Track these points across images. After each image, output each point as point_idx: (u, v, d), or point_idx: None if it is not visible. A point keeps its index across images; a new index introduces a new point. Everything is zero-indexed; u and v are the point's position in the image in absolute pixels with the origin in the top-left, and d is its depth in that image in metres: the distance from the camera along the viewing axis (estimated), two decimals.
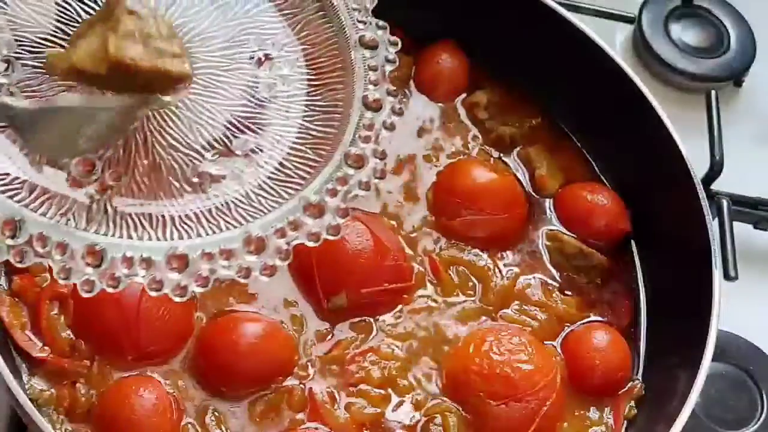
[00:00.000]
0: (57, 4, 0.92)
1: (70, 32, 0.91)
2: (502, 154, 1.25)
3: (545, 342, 1.11)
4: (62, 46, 0.91)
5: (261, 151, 0.94)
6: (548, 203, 1.22)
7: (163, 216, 0.88)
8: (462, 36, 1.28)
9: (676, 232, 1.17)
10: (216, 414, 1.02)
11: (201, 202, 0.90)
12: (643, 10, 1.52)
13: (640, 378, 1.12)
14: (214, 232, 0.87)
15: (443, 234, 1.17)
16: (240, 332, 1.04)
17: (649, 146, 1.18)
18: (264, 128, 0.95)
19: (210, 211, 0.89)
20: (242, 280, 0.85)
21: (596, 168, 1.26)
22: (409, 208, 1.18)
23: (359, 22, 0.97)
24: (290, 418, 1.03)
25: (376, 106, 0.94)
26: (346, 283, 1.08)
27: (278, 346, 1.05)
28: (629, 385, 1.11)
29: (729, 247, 1.25)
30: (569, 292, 1.16)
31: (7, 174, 0.85)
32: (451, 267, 1.15)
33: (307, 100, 0.97)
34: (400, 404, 1.06)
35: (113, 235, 0.84)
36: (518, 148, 1.25)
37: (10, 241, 0.80)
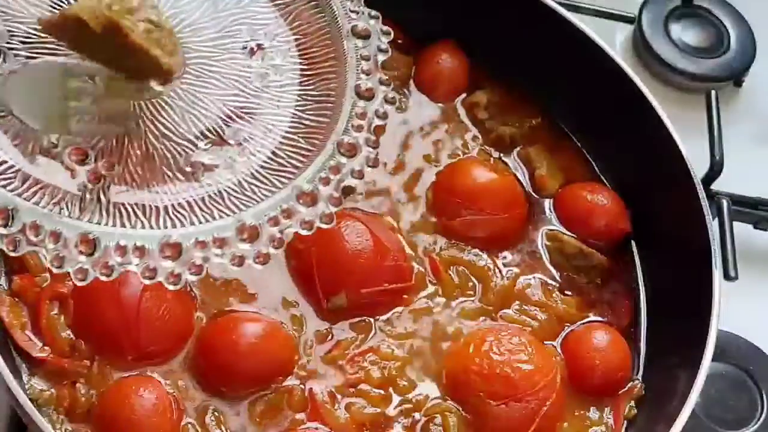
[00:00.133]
0: None
1: None
2: (502, 154, 1.25)
3: (545, 342, 1.11)
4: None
5: (253, 140, 0.94)
6: (548, 203, 1.22)
7: (156, 205, 0.88)
8: (462, 36, 1.28)
9: (676, 232, 1.17)
10: (216, 414, 1.02)
11: (194, 191, 0.90)
12: (643, 10, 1.52)
13: (640, 378, 1.12)
14: (207, 221, 0.87)
15: (443, 234, 1.17)
16: (240, 332, 1.04)
17: (649, 146, 1.18)
18: (256, 117, 0.96)
19: (203, 199, 0.89)
20: (235, 268, 0.86)
21: (596, 168, 1.26)
22: (409, 208, 1.18)
23: (351, 11, 0.97)
24: (290, 418, 1.03)
25: (368, 95, 0.94)
26: (346, 283, 1.08)
27: (278, 346, 1.05)
28: (629, 385, 1.11)
29: (729, 247, 1.25)
30: (569, 292, 1.16)
31: (1, 163, 0.85)
32: (451, 267, 1.15)
33: (299, 90, 0.97)
34: (400, 404, 1.06)
35: (107, 224, 0.85)
36: (518, 148, 1.25)
37: (3, 230, 0.81)
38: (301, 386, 1.05)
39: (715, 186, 1.32)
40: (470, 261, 1.15)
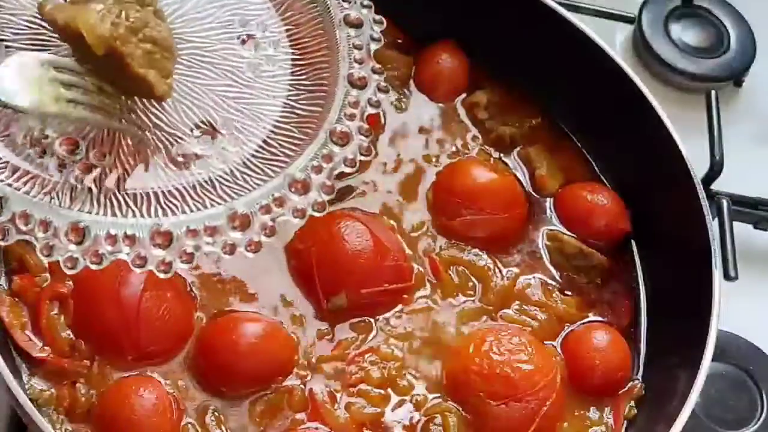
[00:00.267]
0: None
1: None
2: (502, 154, 1.25)
3: (545, 342, 1.11)
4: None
5: (245, 130, 0.95)
6: (548, 203, 1.22)
7: (147, 194, 0.88)
8: (462, 36, 1.28)
9: (676, 232, 1.17)
10: (216, 414, 1.02)
11: (185, 181, 0.90)
12: (643, 10, 1.52)
13: (640, 378, 1.12)
14: (199, 210, 0.87)
15: (443, 234, 1.17)
16: (240, 332, 1.04)
17: (649, 146, 1.18)
18: (248, 107, 0.96)
19: (195, 189, 0.90)
20: (226, 257, 0.86)
21: (596, 168, 1.26)
22: (409, 208, 1.18)
23: (344, 1, 0.98)
24: (290, 418, 1.03)
25: (361, 84, 0.95)
26: (346, 283, 1.08)
27: (278, 346, 1.05)
28: (629, 385, 1.11)
29: (729, 247, 1.25)
30: (569, 292, 1.16)
31: None
32: (451, 267, 1.15)
33: (291, 80, 0.98)
34: (400, 404, 1.06)
35: (97, 214, 0.85)
36: (518, 148, 1.25)
37: None
38: (301, 386, 1.05)
39: (715, 186, 1.32)
40: (470, 261, 1.15)
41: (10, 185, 0.84)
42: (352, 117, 0.93)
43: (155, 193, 0.89)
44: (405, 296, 1.12)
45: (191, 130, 0.93)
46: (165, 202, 0.89)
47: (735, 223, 1.30)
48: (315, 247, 1.09)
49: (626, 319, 1.16)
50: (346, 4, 0.98)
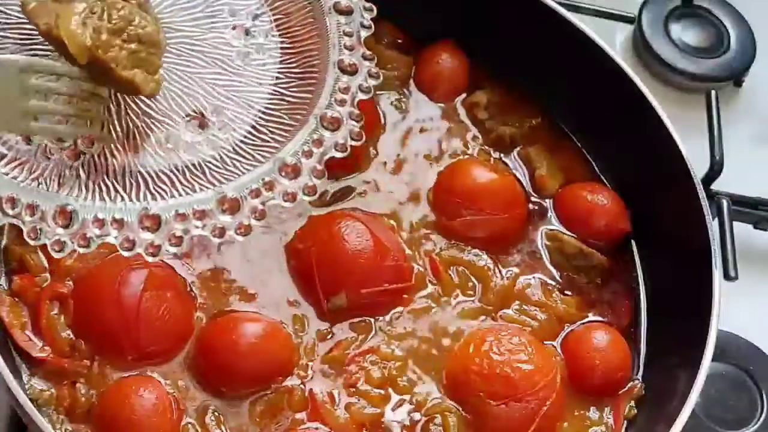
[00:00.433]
0: None
1: None
2: (502, 154, 1.25)
3: (545, 342, 1.11)
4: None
5: (236, 117, 0.95)
6: (548, 203, 1.22)
7: (136, 179, 0.89)
8: (462, 36, 1.28)
9: (676, 232, 1.17)
10: (216, 414, 1.02)
11: (175, 167, 0.91)
12: (643, 10, 1.52)
13: (640, 378, 1.12)
14: (188, 195, 0.88)
15: (443, 234, 1.17)
16: (240, 332, 1.04)
17: (649, 146, 1.18)
18: (238, 95, 0.96)
19: (184, 174, 0.90)
20: (216, 240, 0.86)
21: (596, 168, 1.26)
22: (409, 208, 1.18)
23: None
24: (290, 418, 1.03)
25: (351, 70, 0.95)
26: (346, 283, 1.08)
27: (278, 346, 1.05)
28: (629, 385, 1.11)
29: (729, 247, 1.25)
30: (569, 292, 1.16)
31: None
32: (451, 267, 1.15)
33: (281, 67, 0.98)
34: (400, 404, 1.06)
35: (86, 199, 0.85)
36: (518, 148, 1.25)
37: None
38: (301, 386, 1.05)
39: (715, 186, 1.32)
40: (470, 261, 1.15)
41: None
42: (342, 103, 0.94)
43: (144, 179, 0.90)
44: (405, 296, 1.12)
45: (181, 117, 0.94)
46: (154, 187, 0.89)
47: (735, 223, 1.30)
48: (315, 247, 1.09)
49: (626, 319, 1.16)
50: None
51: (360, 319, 1.10)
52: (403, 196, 1.19)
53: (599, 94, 1.22)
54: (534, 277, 1.16)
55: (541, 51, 1.24)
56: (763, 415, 1.24)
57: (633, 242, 1.21)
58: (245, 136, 0.94)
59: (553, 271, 1.18)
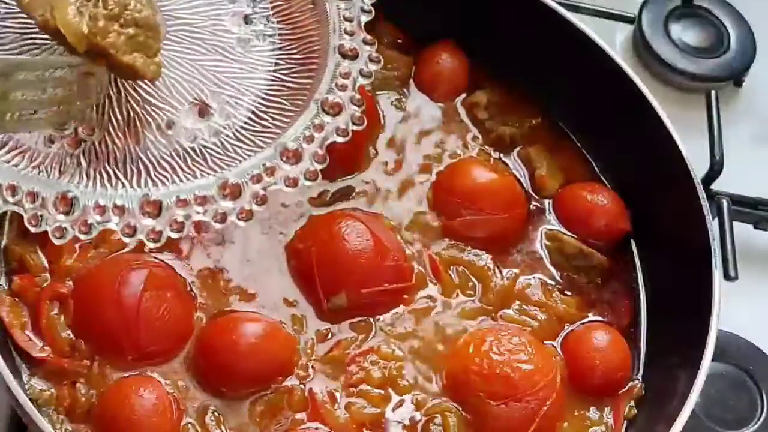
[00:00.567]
0: None
1: None
2: (502, 154, 1.25)
3: (545, 342, 1.11)
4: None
5: (236, 103, 0.95)
6: (548, 203, 1.22)
7: (138, 166, 0.89)
8: (462, 36, 1.28)
9: (676, 232, 1.17)
10: (216, 414, 1.02)
11: (176, 153, 0.91)
12: (643, 10, 1.52)
13: (640, 378, 1.12)
14: (189, 181, 0.88)
15: (443, 234, 1.17)
16: (240, 332, 1.04)
17: (649, 146, 1.18)
18: (238, 81, 0.96)
19: (185, 160, 0.90)
20: (218, 225, 0.86)
21: (596, 168, 1.26)
22: (409, 208, 1.18)
23: None
24: (290, 418, 1.03)
25: (352, 55, 0.95)
26: (346, 283, 1.08)
27: (278, 346, 1.05)
28: (629, 385, 1.11)
29: (729, 247, 1.25)
30: (569, 292, 1.16)
31: None
32: (451, 267, 1.15)
33: (281, 53, 0.98)
34: (400, 404, 1.06)
35: (86, 186, 0.85)
36: (518, 148, 1.25)
37: None
38: (301, 386, 1.05)
39: (715, 186, 1.32)
40: (470, 261, 1.15)
41: None
42: (343, 87, 0.94)
43: (145, 165, 0.90)
44: (405, 296, 1.12)
45: (182, 104, 0.94)
46: (155, 174, 0.89)
47: (735, 223, 1.30)
48: (315, 246, 1.09)
49: (626, 319, 1.16)
50: None
51: (360, 318, 1.10)
52: (403, 196, 1.19)
53: (599, 94, 1.22)
54: (534, 277, 1.16)
55: (541, 51, 1.24)
56: (763, 415, 1.24)
57: (633, 242, 1.21)
58: (246, 122, 0.94)
59: (553, 271, 1.17)
